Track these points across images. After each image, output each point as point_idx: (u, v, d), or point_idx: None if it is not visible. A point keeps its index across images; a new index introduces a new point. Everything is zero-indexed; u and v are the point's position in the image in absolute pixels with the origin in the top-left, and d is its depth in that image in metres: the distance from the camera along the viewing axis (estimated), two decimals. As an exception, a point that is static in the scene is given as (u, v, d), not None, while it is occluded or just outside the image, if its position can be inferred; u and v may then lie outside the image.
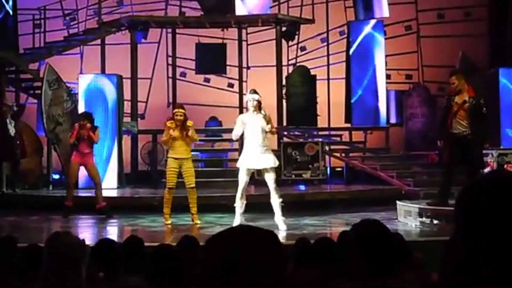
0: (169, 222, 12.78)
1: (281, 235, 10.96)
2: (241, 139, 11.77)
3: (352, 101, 20.08)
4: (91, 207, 14.04)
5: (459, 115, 11.59)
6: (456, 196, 2.34)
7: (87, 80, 18.46)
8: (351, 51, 20.27)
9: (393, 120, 20.50)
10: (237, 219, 11.63)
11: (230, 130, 19.97)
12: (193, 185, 12.79)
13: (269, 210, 11.76)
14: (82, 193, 16.08)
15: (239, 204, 11.62)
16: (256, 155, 11.48)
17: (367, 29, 20.18)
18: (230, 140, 19.96)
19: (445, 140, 11.91)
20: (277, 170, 12.12)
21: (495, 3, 21.03)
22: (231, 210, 13.13)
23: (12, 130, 17.01)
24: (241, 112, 20.26)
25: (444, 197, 11.94)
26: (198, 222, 12.79)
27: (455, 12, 22.08)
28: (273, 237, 2.37)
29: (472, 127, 11.55)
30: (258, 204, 12.83)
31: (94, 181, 14.27)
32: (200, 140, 19.55)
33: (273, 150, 17.91)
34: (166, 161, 13.55)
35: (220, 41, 21.43)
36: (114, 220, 13.77)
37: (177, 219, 13.10)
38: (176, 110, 13.00)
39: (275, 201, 11.56)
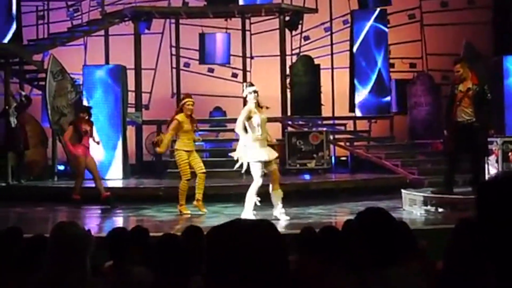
0: (188, 211, 12.76)
1: (284, 224, 11.00)
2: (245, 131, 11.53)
3: (356, 90, 20.09)
4: (97, 197, 14.06)
5: (464, 102, 11.58)
6: (478, 188, 2.36)
7: (91, 71, 18.46)
8: (355, 45, 20.27)
9: (396, 109, 20.47)
10: (249, 214, 11.40)
11: (234, 120, 20.10)
12: (205, 170, 12.86)
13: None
14: (88, 184, 16.11)
15: (255, 199, 11.44)
16: (265, 147, 11.47)
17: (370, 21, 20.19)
18: (234, 130, 20.00)
19: (450, 128, 11.90)
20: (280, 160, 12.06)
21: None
22: (236, 200, 13.18)
23: (13, 122, 17.08)
24: (245, 102, 20.27)
25: (449, 185, 11.95)
26: (205, 210, 12.81)
27: (458, 0, 22.04)
28: (272, 229, 2.38)
29: (476, 115, 11.54)
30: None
31: (95, 174, 14.32)
32: (204, 130, 19.58)
33: (277, 140, 18.11)
34: (172, 152, 13.53)
35: (223, 31, 21.42)
36: (120, 210, 13.80)
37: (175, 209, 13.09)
38: (187, 99, 13.00)
39: (279, 194, 11.52)
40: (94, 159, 14.55)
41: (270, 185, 11.50)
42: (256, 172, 11.36)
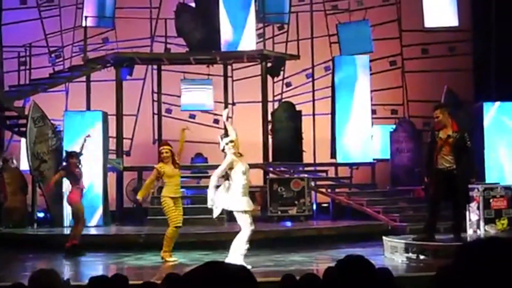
0: (172, 258, 12.67)
1: (262, 271, 10.93)
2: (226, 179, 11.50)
3: (338, 137, 20.12)
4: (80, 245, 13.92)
5: (444, 150, 11.59)
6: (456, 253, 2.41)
7: (72, 117, 18.40)
8: (336, 88, 20.35)
9: (379, 155, 20.49)
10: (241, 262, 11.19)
11: (216, 167, 20.06)
12: (181, 224, 12.84)
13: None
14: (68, 232, 15.99)
15: (246, 248, 11.34)
16: (247, 196, 11.43)
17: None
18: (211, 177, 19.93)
19: (431, 175, 11.89)
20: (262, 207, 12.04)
21: (479, 38, 21.18)
22: (217, 247, 13.11)
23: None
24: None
25: (431, 232, 11.92)
26: (172, 259, 12.71)
27: (439, 47, 22.23)
28: (247, 273, 2.35)
29: (457, 162, 11.53)
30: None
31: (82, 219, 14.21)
32: (186, 177, 19.52)
33: (259, 186, 18.09)
34: (156, 198, 13.48)
35: (205, 77, 21.48)
36: (99, 258, 13.67)
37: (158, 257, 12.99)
38: (161, 147, 13.06)
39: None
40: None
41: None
42: (245, 221, 11.25)
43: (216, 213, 11.48)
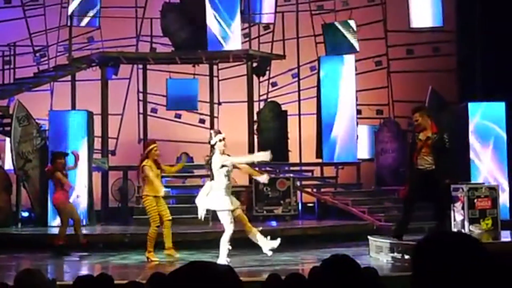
0: (156, 258, 12.71)
1: (250, 271, 10.94)
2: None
3: (323, 136, 20.14)
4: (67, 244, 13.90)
5: (423, 151, 11.67)
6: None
7: (57, 116, 18.36)
8: (321, 87, 20.38)
9: (364, 155, 20.53)
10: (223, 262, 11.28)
11: (201, 166, 20.06)
12: (171, 217, 12.84)
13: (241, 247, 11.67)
14: (53, 231, 15.96)
15: (228, 247, 11.39)
16: (230, 195, 11.49)
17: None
18: (202, 176, 19.93)
19: (410, 175, 11.98)
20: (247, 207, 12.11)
21: (464, 39, 21.24)
22: (202, 246, 13.13)
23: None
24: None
25: (400, 231, 11.92)
26: (178, 255, 12.74)
27: (424, 48, 22.28)
28: (231, 273, 2.35)
29: (436, 163, 11.60)
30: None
31: (72, 219, 14.22)
32: (171, 177, 19.51)
33: (244, 186, 18.09)
34: (141, 197, 13.50)
35: (191, 76, 21.45)
36: (84, 257, 13.64)
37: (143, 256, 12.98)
38: (153, 145, 13.03)
39: (254, 233, 11.56)
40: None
41: (245, 230, 11.51)
42: (226, 220, 11.35)
43: (200, 213, 11.53)
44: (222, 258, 11.26)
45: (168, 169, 13.50)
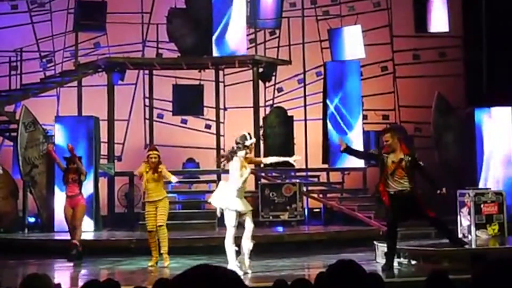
0: (151, 264, 12.74)
1: (254, 276, 10.92)
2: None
3: (330, 141, 20.14)
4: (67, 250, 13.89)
5: (398, 173, 11.51)
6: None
7: (63, 122, 18.37)
8: (328, 93, 20.39)
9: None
10: (233, 265, 11.21)
11: (207, 172, 20.09)
12: (161, 223, 12.79)
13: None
14: (59, 236, 15.98)
15: (234, 249, 11.37)
16: (242, 198, 11.52)
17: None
18: (208, 182, 19.95)
19: (390, 201, 11.76)
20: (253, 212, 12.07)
21: (470, 43, 21.23)
22: (209, 252, 13.12)
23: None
24: (218, 153, 20.27)
25: (392, 262, 11.73)
26: (166, 264, 12.70)
27: (430, 53, 22.25)
28: (236, 277, 2.35)
29: (411, 183, 11.51)
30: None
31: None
32: (177, 182, 19.50)
33: (250, 192, 18.09)
34: (144, 204, 13.55)
35: (197, 82, 21.46)
36: (90, 263, 13.65)
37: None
38: (150, 152, 13.03)
39: (250, 243, 11.45)
40: (80, 207, 14.26)
41: (243, 236, 11.46)
42: (230, 221, 11.35)
43: (218, 211, 11.60)
44: (232, 262, 11.24)
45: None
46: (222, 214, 11.57)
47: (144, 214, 13.10)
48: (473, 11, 20.70)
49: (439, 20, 21.16)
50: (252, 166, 11.78)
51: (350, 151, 12.25)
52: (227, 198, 11.41)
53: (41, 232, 17.41)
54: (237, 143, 11.58)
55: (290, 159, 12.67)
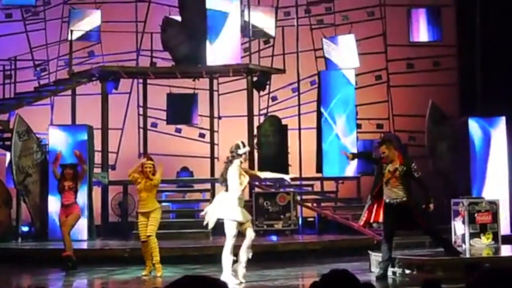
0: (144, 273, 12.72)
1: (248, 286, 10.91)
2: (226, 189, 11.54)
3: (324, 150, 20.16)
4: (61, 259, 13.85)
5: (392, 182, 11.58)
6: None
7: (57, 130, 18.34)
8: (322, 102, 20.42)
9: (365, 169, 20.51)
10: (228, 274, 11.23)
11: (201, 181, 20.08)
12: (150, 233, 12.72)
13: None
14: (52, 246, 15.94)
15: (231, 259, 11.32)
16: (242, 207, 11.47)
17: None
18: (202, 191, 19.94)
19: (384, 211, 11.83)
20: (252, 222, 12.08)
21: (464, 53, 21.27)
22: (203, 261, 13.10)
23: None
24: (212, 162, 20.27)
25: (387, 272, 11.74)
26: (159, 274, 12.65)
27: (424, 62, 22.30)
28: (223, 286, 2.35)
29: (406, 193, 11.52)
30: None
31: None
32: (171, 191, 19.50)
33: (245, 201, 18.04)
34: (138, 213, 13.53)
35: (191, 91, 21.46)
36: (84, 272, 13.62)
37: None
38: (145, 162, 12.99)
39: (249, 252, 11.43)
40: (73, 215, 14.20)
41: (242, 244, 11.42)
42: (230, 231, 11.29)
43: (207, 221, 11.50)
44: (226, 272, 11.19)
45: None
46: (216, 225, 11.55)
47: (137, 224, 13.06)
48: (467, 20, 20.73)
49: (433, 29, 21.24)
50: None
51: (357, 156, 12.37)
52: (227, 208, 11.33)
53: (35, 241, 17.35)
54: (231, 152, 11.57)
55: (286, 177, 12.74)
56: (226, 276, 11.09)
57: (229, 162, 11.52)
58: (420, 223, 11.69)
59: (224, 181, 11.52)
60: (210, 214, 11.47)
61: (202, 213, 11.75)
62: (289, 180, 13.24)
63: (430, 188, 12.07)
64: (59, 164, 14.76)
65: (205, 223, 11.57)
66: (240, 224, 11.38)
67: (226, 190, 11.45)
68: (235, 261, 11.31)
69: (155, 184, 12.93)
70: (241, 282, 11.18)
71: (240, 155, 11.48)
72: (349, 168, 20.07)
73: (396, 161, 11.64)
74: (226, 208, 11.34)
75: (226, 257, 11.28)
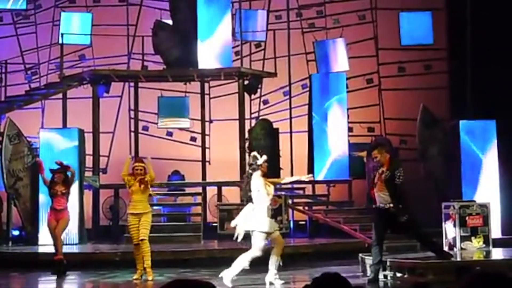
0: (135, 277, 12.68)
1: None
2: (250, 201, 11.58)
3: (315, 154, 20.17)
4: (52, 263, 13.81)
5: (378, 186, 11.61)
6: None
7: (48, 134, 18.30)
8: (313, 105, 20.44)
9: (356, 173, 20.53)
10: (229, 279, 11.31)
11: (192, 184, 20.08)
12: (143, 237, 12.68)
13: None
14: (43, 249, 15.90)
15: (245, 265, 11.37)
16: (269, 217, 11.55)
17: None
18: (193, 194, 19.94)
19: (373, 215, 11.90)
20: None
21: (455, 56, 21.31)
22: (194, 265, 13.09)
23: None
24: (203, 165, 20.28)
25: (378, 275, 11.75)
26: (150, 278, 12.61)
27: (415, 66, 22.35)
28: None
29: (392, 198, 11.52)
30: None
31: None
32: (162, 194, 19.47)
33: (236, 204, 18.07)
34: (128, 214, 13.49)
35: (182, 94, 21.46)
36: (75, 276, 13.59)
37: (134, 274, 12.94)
38: (135, 164, 12.99)
39: (276, 259, 11.55)
40: (64, 219, 14.14)
41: (273, 248, 11.56)
42: (258, 243, 11.35)
43: (237, 234, 11.51)
44: (231, 273, 11.29)
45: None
46: (245, 236, 11.57)
47: (128, 226, 12.98)
48: (458, 24, 20.78)
49: (424, 32, 21.29)
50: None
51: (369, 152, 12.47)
52: (256, 219, 11.36)
53: (26, 245, 17.31)
54: (250, 165, 11.66)
55: (304, 177, 12.97)
56: (228, 275, 11.16)
57: (249, 175, 11.55)
58: (409, 228, 11.71)
59: (246, 194, 11.57)
60: (239, 228, 11.47)
61: (231, 225, 11.74)
62: (307, 181, 13.30)
63: (405, 198, 11.87)
64: (44, 169, 14.66)
65: (234, 237, 11.59)
66: (268, 234, 11.43)
67: (251, 201, 11.47)
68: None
69: (152, 179, 12.93)
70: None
71: (260, 165, 11.51)
72: (341, 172, 20.10)
73: (385, 165, 11.65)
74: (255, 219, 11.37)
75: (242, 262, 11.32)
